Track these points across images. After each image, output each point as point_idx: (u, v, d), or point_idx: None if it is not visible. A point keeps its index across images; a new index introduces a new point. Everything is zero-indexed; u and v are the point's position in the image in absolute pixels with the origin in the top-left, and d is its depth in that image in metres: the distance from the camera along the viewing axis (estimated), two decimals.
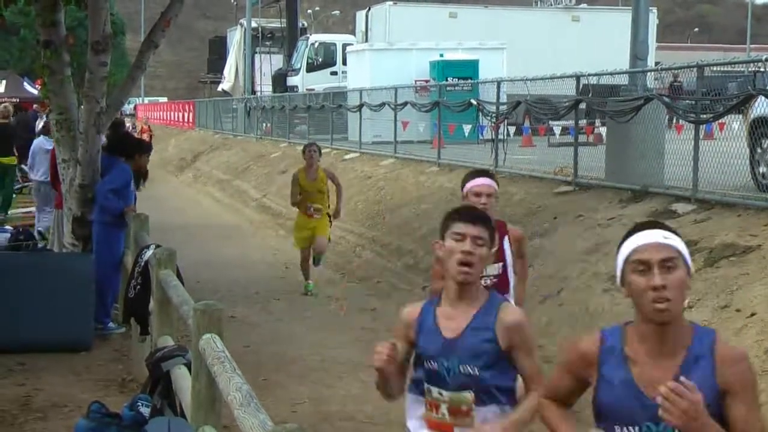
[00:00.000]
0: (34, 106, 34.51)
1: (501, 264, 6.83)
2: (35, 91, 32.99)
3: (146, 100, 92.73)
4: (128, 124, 22.49)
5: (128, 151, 12.52)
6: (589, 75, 17.00)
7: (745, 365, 3.46)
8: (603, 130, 17.53)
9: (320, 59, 43.41)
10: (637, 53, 16.07)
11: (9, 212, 21.75)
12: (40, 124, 22.75)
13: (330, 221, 15.18)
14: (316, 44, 44.21)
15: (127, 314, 10.41)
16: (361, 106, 27.51)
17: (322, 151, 29.24)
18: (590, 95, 16.68)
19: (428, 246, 16.28)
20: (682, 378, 3.29)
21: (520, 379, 4.48)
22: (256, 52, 49.82)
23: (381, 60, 33.36)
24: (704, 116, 13.34)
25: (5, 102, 27.00)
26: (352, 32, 50.29)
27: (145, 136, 34.24)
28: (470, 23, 39.40)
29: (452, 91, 26.60)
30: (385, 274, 16.30)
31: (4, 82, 37.92)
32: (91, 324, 11.26)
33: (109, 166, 12.29)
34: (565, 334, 11.10)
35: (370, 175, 23.36)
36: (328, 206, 15.08)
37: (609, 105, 15.65)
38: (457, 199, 17.70)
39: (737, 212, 12.04)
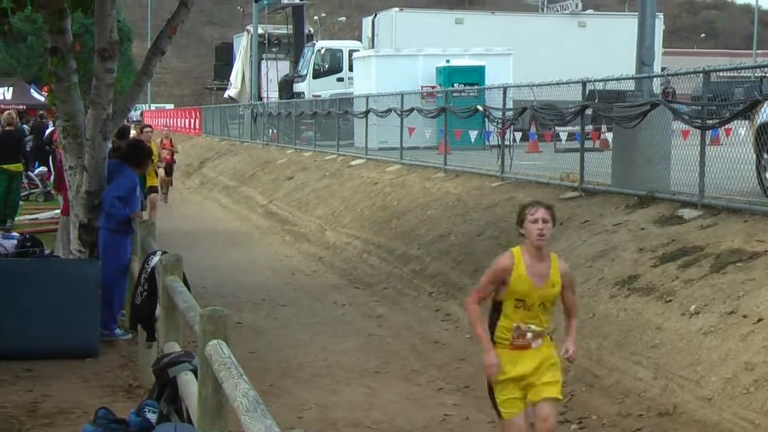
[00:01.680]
0: (40, 112, 34.65)
1: None
2: (42, 98, 33.06)
3: (153, 106, 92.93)
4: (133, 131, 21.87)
5: (131, 158, 12.51)
6: (596, 81, 16.99)
7: None
8: (609, 136, 17.53)
9: (326, 65, 43.43)
10: (644, 59, 16.08)
11: (15, 219, 21.78)
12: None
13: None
14: (323, 50, 44.24)
15: (133, 320, 10.42)
16: (367, 112, 27.54)
17: (328, 157, 29.12)
18: (596, 101, 16.67)
19: (434, 252, 16.30)
20: None
21: None
22: (263, 59, 49.89)
23: (387, 66, 33.42)
24: (710, 122, 13.33)
25: (10, 109, 27.09)
26: (359, 38, 50.36)
27: (165, 153, 28.10)
28: (476, 29, 39.44)
29: (458, 97, 26.66)
30: (391, 280, 16.29)
31: (11, 88, 38.08)
32: (98, 330, 11.28)
33: (114, 172, 12.31)
34: None
35: (376, 181, 23.38)
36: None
37: (615, 110, 15.65)
38: (462, 205, 17.73)
39: (743, 218, 12.03)
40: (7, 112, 24.01)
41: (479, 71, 31.86)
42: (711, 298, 9.95)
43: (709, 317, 9.60)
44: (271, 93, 48.07)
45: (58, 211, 17.95)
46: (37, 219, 22.53)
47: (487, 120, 21.62)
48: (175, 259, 8.35)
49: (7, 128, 22.69)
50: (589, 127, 18.47)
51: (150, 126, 24.82)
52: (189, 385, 6.55)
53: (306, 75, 43.76)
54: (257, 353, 11.65)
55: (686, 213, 12.97)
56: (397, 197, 20.98)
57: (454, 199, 18.52)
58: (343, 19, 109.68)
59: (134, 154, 12.58)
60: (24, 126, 30.11)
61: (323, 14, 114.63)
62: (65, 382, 10.11)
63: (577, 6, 45.14)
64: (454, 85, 30.16)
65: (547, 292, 6.96)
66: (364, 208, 21.50)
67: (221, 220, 27.16)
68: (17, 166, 22.23)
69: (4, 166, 21.83)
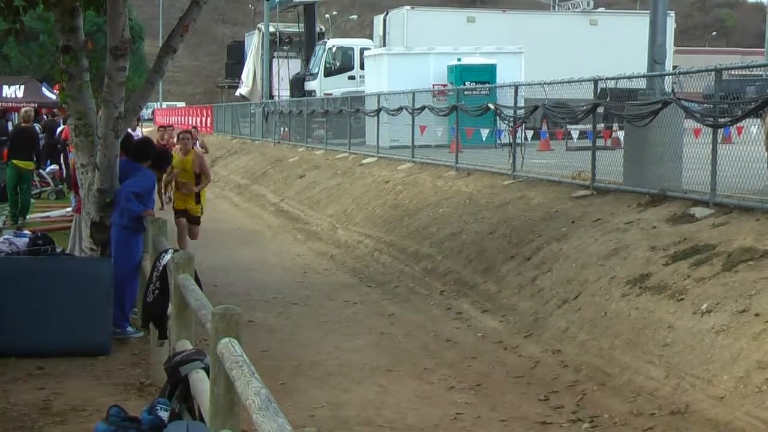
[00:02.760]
0: (55, 110, 34.74)
1: None
2: (53, 96, 33.12)
3: (164, 104, 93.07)
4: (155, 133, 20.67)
5: (154, 159, 12.63)
6: (607, 79, 16.97)
7: None
8: (621, 134, 17.50)
9: (338, 64, 43.42)
10: (655, 57, 16.06)
11: (27, 217, 21.84)
12: None
13: None
14: (334, 49, 44.22)
15: (145, 318, 10.44)
16: (378, 110, 27.53)
17: (340, 155, 28.99)
18: (608, 99, 16.64)
19: (446, 251, 16.30)
20: None
21: None
22: (274, 57, 49.93)
23: (399, 64, 33.40)
24: (722, 120, 13.30)
25: (22, 107, 27.21)
26: (370, 37, 50.36)
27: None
28: (488, 27, 39.43)
29: (470, 95, 26.64)
30: (402, 279, 16.29)
31: (22, 87, 38.08)
32: (110, 328, 11.30)
33: (132, 170, 12.34)
34: (583, 339, 11.09)
35: (387, 179, 23.38)
36: None
37: (627, 109, 15.63)
38: (474, 204, 17.72)
39: (755, 216, 12.01)
40: (24, 110, 24.18)
41: (491, 69, 31.82)
42: (723, 296, 9.93)
43: (721, 316, 9.58)
44: (283, 91, 48.10)
45: (69, 209, 18.00)
46: (48, 217, 22.57)
47: (498, 118, 21.60)
48: (186, 257, 8.36)
49: (23, 125, 22.80)
50: (600, 126, 18.45)
51: (188, 131, 18.61)
52: (201, 383, 6.56)
53: (317, 73, 43.76)
54: (269, 351, 11.66)
55: (698, 211, 12.95)
56: (409, 196, 20.98)
57: (465, 198, 18.51)
58: (354, 17, 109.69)
59: (144, 155, 12.61)
60: (35, 124, 30.20)
61: (334, 12, 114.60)
62: (77, 380, 10.13)
63: (588, 4, 45.12)
64: (466, 83, 30.15)
65: None
66: (376, 207, 21.50)
67: (233, 218, 27.17)
68: (28, 164, 22.28)
69: (15, 162, 21.91)
